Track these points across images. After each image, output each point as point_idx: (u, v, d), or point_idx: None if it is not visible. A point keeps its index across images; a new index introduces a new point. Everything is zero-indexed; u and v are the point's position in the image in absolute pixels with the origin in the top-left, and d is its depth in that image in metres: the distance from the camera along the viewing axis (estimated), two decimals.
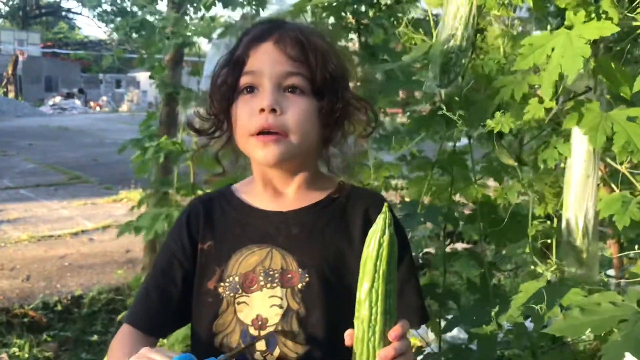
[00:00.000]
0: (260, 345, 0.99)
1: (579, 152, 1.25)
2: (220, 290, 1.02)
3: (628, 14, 1.08)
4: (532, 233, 1.31)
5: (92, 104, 35.97)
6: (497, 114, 1.22)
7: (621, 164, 1.17)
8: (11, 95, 33.73)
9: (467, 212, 1.76)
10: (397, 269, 0.85)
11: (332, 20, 2.28)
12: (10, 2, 40.55)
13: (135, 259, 5.04)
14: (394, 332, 0.82)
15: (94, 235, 6.01)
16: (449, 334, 1.77)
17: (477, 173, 1.57)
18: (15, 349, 3.54)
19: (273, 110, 0.97)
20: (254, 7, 2.42)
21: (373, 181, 2.06)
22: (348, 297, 0.87)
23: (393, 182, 2.46)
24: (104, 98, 37.05)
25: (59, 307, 4.10)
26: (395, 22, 2.33)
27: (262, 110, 0.97)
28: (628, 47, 1.21)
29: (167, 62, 2.72)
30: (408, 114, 2.07)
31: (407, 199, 1.78)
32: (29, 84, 35.90)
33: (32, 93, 35.11)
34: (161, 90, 2.52)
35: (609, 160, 1.24)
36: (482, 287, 1.54)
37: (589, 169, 1.23)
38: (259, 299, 1.00)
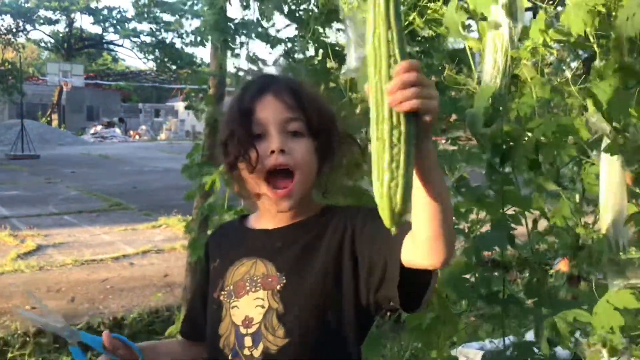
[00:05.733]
0: (248, 342, 1.15)
1: (611, 173, 1.52)
2: (222, 298, 1.21)
3: None
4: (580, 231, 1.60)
5: (131, 132, 36.87)
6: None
7: None
8: (55, 124, 34.88)
9: None
10: None
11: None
12: (56, 36, 42.14)
13: (172, 283, 5.20)
14: (397, 67, 0.80)
15: (134, 259, 6.21)
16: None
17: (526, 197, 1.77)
18: None
19: (282, 151, 1.14)
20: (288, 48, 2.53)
21: None
22: (319, 296, 0.99)
23: None
24: (143, 127, 37.95)
25: (102, 328, 4.26)
26: (435, 54, 2.45)
27: (273, 151, 1.14)
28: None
29: (211, 94, 2.88)
30: (450, 140, 2.33)
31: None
32: (71, 113, 37.06)
33: (75, 122, 36.21)
34: (207, 123, 2.68)
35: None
36: (537, 291, 1.72)
37: (620, 188, 1.50)
38: (246, 302, 1.17)
